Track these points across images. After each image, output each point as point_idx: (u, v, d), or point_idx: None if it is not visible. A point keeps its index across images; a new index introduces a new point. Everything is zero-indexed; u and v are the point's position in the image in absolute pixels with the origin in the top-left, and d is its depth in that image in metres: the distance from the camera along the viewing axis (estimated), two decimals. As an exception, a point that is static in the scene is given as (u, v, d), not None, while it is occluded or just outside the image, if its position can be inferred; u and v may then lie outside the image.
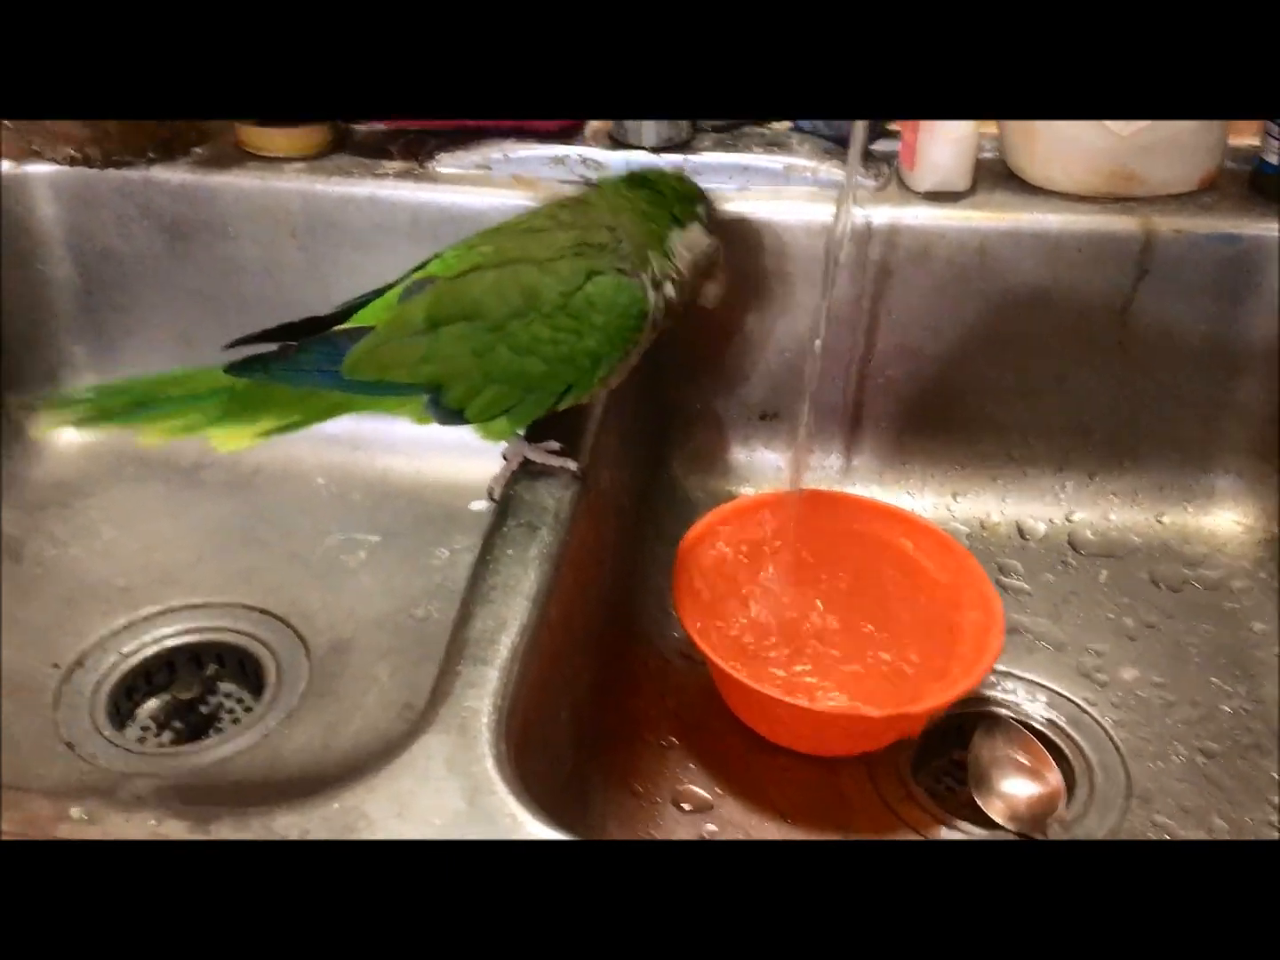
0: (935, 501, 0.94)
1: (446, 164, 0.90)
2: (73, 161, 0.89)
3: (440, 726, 0.47)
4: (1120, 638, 0.84)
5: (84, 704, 0.78)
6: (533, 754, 0.52)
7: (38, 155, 0.89)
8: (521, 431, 0.67)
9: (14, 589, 0.85)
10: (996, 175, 0.90)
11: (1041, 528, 0.92)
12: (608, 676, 0.73)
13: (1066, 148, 0.85)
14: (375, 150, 0.92)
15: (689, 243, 0.69)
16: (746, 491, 0.94)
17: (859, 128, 0.67)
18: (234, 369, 0.63)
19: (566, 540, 0.58)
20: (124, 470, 0.95)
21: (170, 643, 0.82)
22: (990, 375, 0.91)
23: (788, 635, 0.74)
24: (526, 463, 0.66)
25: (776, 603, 0.76)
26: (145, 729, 0.79)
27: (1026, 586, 0.88)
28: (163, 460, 0.96)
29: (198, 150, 0.92)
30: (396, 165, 0.91)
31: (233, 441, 0.65)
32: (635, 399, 0.86)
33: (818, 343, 0.75)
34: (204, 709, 0.80)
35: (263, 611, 0.85)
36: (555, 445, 0.68)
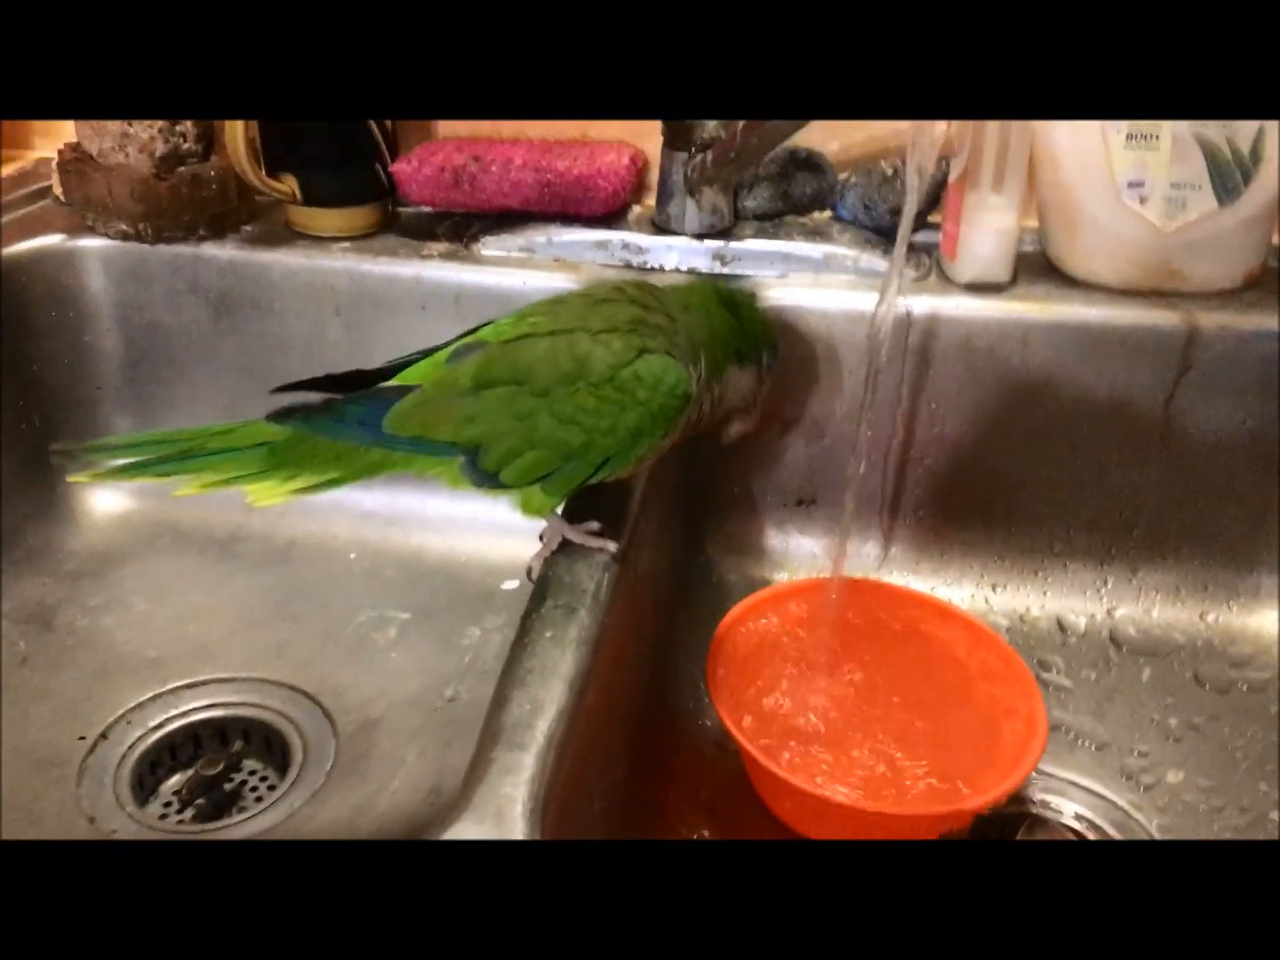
0: (974, 593, 0.93)
1: (491, 246, 0.91)
2: (125, 237, 0.90)
3: (474, 815, 0.46)
4: (1164, 739, 0.81)
5: (108, 778, 0.77)
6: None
7: (90, 230, 0.91)
8: (560, 510, 0.67)
9: (45, 659, 0.85)
10: (1037, 267, 0.90)
11: (1082, 623, 0.91)
12: (640, 765, 0.72)
13: (1109, 242, 0.85)
14: (421, 232, 0.94)
15: (738, 381, 0.71)
16: (781, 578, 0.93)
17: (908, 215, 0.67)
18: (275, 416, 0.64)
19: (605, 623, 0.57)
20: (159, 541, 0.96)
21: (197, 717, 0.82)
22: (1031, 467, 0.90)
23: (824, 728, 0.73)
24: (565, 543, 0.65)
25: (813, 693, 0.74)
26: (168, 804, 0.78)
27: (1067, 683, 0.86)
28: (199, 532, 0.96)
29: (247, 228, 0.94)
30: (442, 246, 0.92)
31: (267, 496, 0.65)
32: (673, 482, 0.86)
33: (864, 430, 0.75)
34: (227, 786, 0.79)
35: (291, 688, 0.84)
36: (595, 526, 0.67)
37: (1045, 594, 0.92)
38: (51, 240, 0.90)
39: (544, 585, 0.59)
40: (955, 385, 0.88)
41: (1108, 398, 0.87)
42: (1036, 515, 0.92)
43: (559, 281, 0.88)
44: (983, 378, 0.88)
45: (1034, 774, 0.77)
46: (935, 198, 0.91)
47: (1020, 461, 0.90)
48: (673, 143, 0.88)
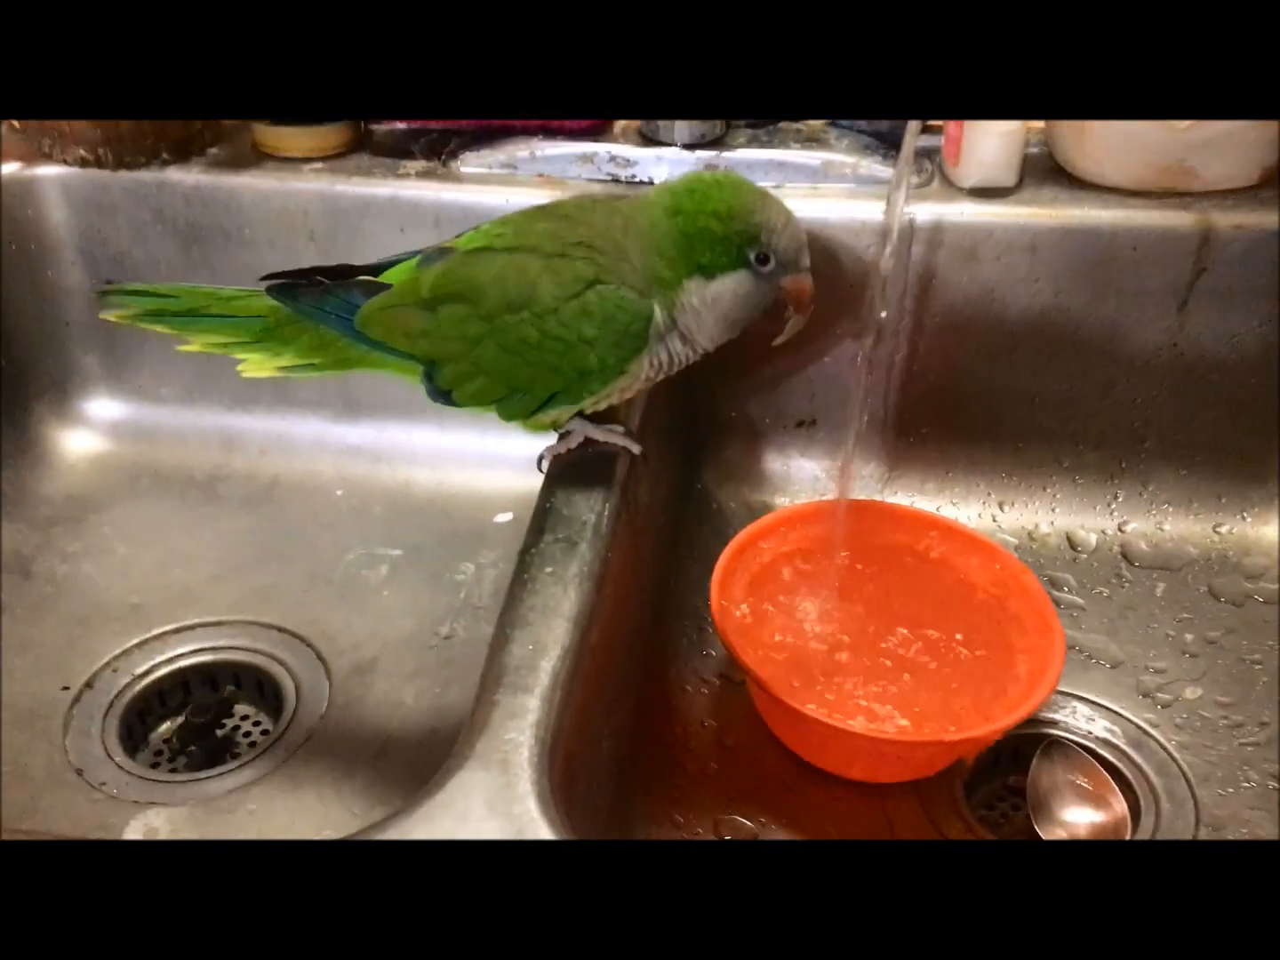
0: (980, 511, 0.90)
1: (470, 163, 0.87)
2: (84, 163, 0.86)
3: (479, 762, 0.43)
4: (1180, 655, 0.79)
5: (95, 728, 0.74)
6: (575, 789, 0.48)
7: (47, 157, 0.86)
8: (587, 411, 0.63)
9: (24, 608, 0.82)
10: (1044, 170, 0.86)
11: (1093, 539, 0.88)
12: (646, 701, 0.69)
13: (1119, 142, 0.81)
14: (396, 150, 0.89)
15: (717, 294, 0.59)
16: (782, 503, 0.90)
17: (913, 122, 0.63)
18: (272, 290, 0.64)
19: (607, 558, 0.54)
20: (138, 484, 0.92)
21: (185, 663, 0.79)
22: (1039, 381, 0.87)
23: (832, 654, 0.70)
24: (562, 470, 0.62)
25: (821, 620, 0.72)
26: (159, 753, 0.75)
27: (1079, 601, 0.84)
28: (178, 474, 0.93)
29: (213, 151, 0.89)
30: (419, 165, 0.87)
31: (257, 368, 0.66)
32: (667, 407, 0.82)
33: (867, 345, 0.71)
34: (220, 732, 0.77)
35: (281, 630, 0.81)
36: (619, 428, 0.64)
37: (1054, 510, 0.90)
38: (7, 169, 0.85)
39: (541, 518, 0.56)
40: (960, 297, 0.85)
41: (1118, 307, 0.84)
42: (1044, 431, 0.89)
43: (543, 199, 0.83)
44: (989, 288, 0.84)
45: (1056, 694, 0.75)
46: (936, 99, 0.86)
47: (1027, 376, 0.87)
48: (659, 48, 0.83)
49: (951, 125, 0.83)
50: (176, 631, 0.81)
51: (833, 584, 0.73)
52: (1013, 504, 0.90)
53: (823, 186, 0.85)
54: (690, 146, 0.85)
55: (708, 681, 0.76)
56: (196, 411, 0.94)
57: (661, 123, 0.85)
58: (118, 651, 0.79)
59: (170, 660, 0.79)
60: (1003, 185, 0.83)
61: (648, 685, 0.70)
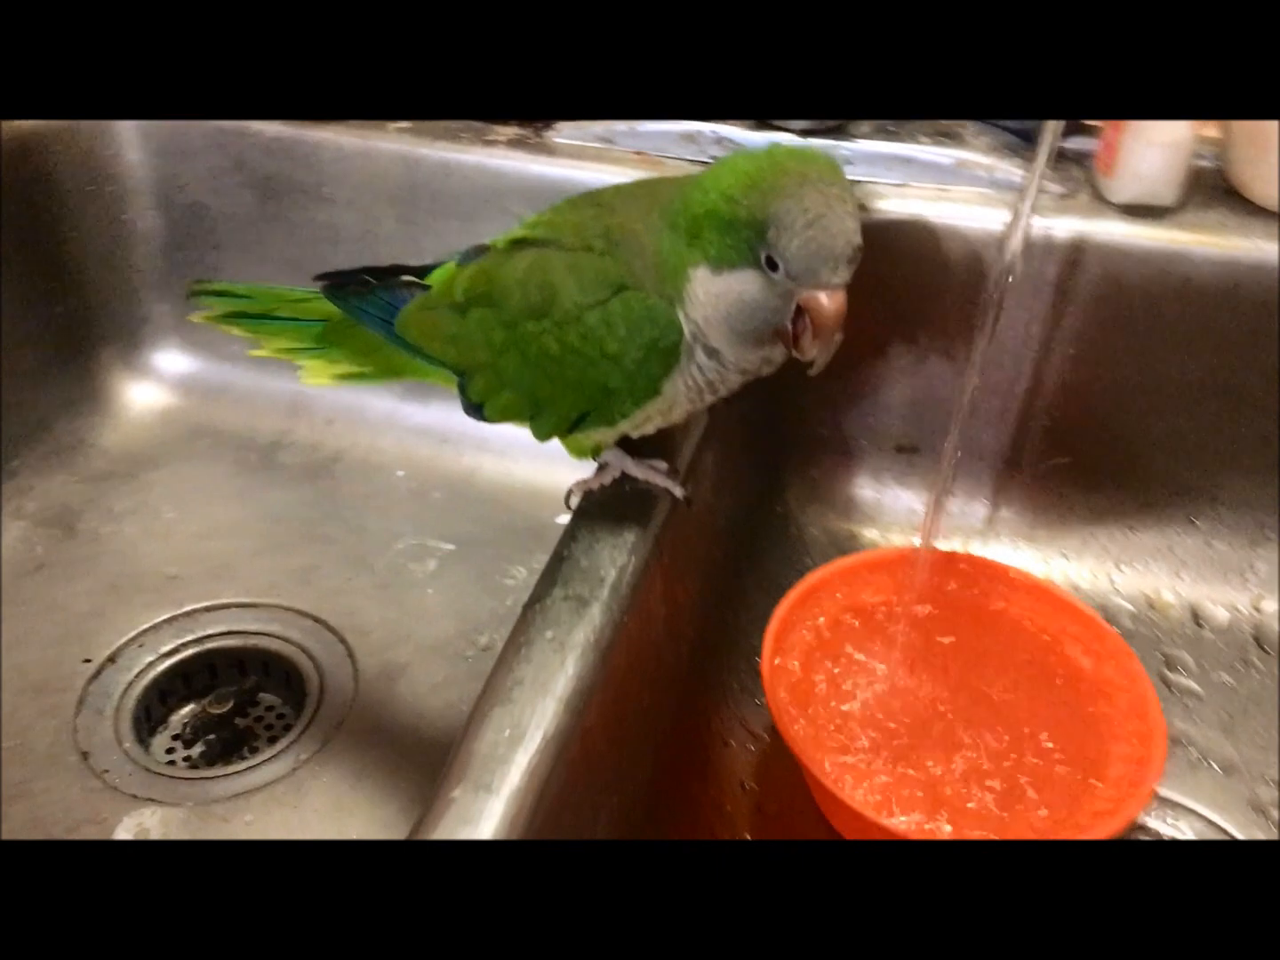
0: (1095, 569, 0.80)
1: (566, 134, 0.80)
2: (161, 106, 0.81)
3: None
4: (1308, 767, 0.69)
5: (109, 707, 0.71)
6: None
7: (127, 96, 0.82)
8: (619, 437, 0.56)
9: (61, 567, 0.79)
10: (1212, 190, 0.74)
11: (1223, 615, 0.77)
12: (674, 754, 0.62)
13: (1307, 164, 0.69)
14: (490, 112, 0.82)
15: (721, 292, 0.48)
16: (871, 535, 0.81)
17: (1053, 121, 0.53)
18: (327, 291, 0.60)
19: (622, 622, 0.47)
20: (198, 443, 0.89)
21: (213, 645, 0.75)
22: (1180, 427, 0.76)
23: (897, 733, 0.62)
24: (614, 488, 0.55)
25: (885, 689, 0.64)
26: (176, 737, 0.72)
27: (1196, 687, 0.73)
28: (240, 436, 0.89)
29: (299, 101, 0.83)
30: (510, 132, 0.80)
31: (315, 375, 0.62)
32: (744, 415, 0.75)
33: (974, 372, 0.62)
34: (241, 721, 0.73)
35: (315, 619, 0.77)
36: (663, 465, 0.57)
37: (1181, 576, 0.79)
38: (82, 106, 0.81)
39: (556, 567, 0.50)
40: (1099, 327, 0.74)
41: (1284, 353, 0.72)
42: (1180, 483, 0.78)
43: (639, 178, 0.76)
44: (1134, 319, 0.74)
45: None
46: (1094, 98, 0.75)
47: (1167, 420, 0.76)
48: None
49: (1109, 129, 0.72)
50: (209, 610, 0.77)
51: (904, 648, 0.65)
52: (1133, 564, 0.80)
53: (952, 188, 0.75)
54: (807, 133, 0.76)
55: (755, 736, 0.68)
56: (267, 373, 0.89)
57: (776, 103, 0.76)
58: (146, 626, 0.75)
59: (199, 640, 0.75)
60: (1161, 203, 0.72)
61: (678, 736, 0.63)
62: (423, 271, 0.59)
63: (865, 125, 0.77)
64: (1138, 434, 0.77)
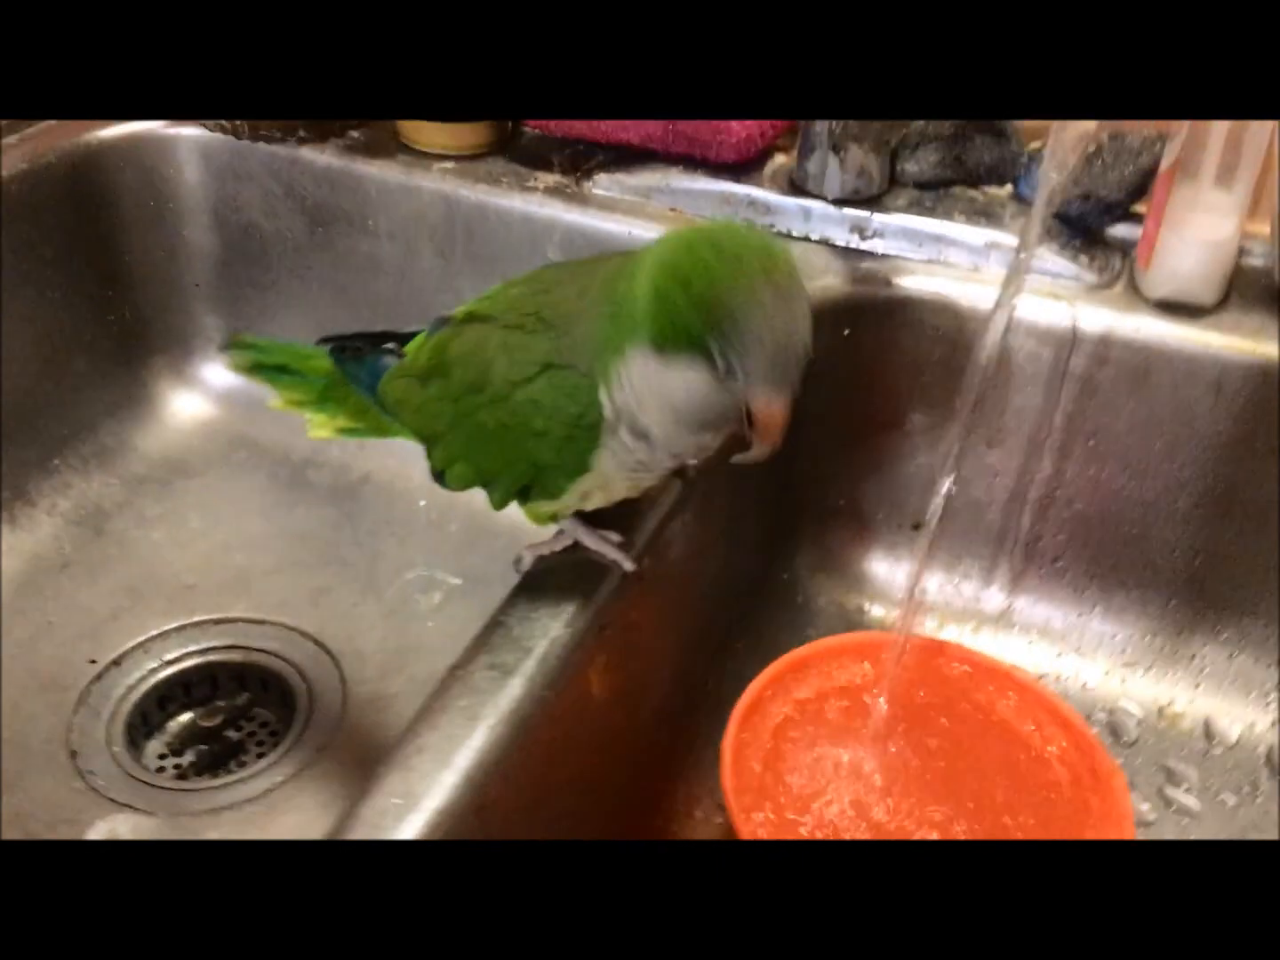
0: (1108, 668, 0.77)
1: (604, 185, 0.80)
2: (221, 129, 0.84)
3: None
4: (1303, 906, 0.65)
5: (107, 710, 0.73)
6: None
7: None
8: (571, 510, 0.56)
9: (85, 566, 0.82)
10: (1260, 291, 0.72)
11: (1236, 732, 0.74)
12: (631, 823, 0.62)
13: (1354, 275, 0.66)
14: (536, 160, 0.83)
15: (664, 378, 0.45)
16: (878, 613, 0.80)
17: (1044, 187, 0.52)
18: (331, 353, 0.61)
19: (543, 697, 0.47)
20: (235, 455, 0.91)
21: (215, 658, 0.77)
22: (1206, 534, 0.74)
23: (863, 831, 0.60)
24: (565, 555, 0.56)
25: (854, 785, 0.62)
26: (169, 744, 0.74)
27: (1194, 805, 0.70)
28: (276, 451, 0.92)
29: (353, 134, 0.85)
30: (550, 179, 0.81)
31: (319, 429, 0.64)
32: (751, 477, 0.74)
33: (954, 451, 0.61)
34: (235, 734, 0.75)
35: (317, 642, 0.78)
36: (615, 537, 0.57)
37: (1198, 687, 0.76)
38: (148, 125, 0.85)
39: (488, 632, 0.50)
40: (1123, 423, 0.72)
41: (1318, 469, 0.69)
42: (1206, 591, 0.75)
43: (670, 235, 0.76)
44: (1159, 419, 0.71)
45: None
46: (1142, 186, 0.73)
47: (1193, 525, 0.74)
48: (824, 86, 0.74)
49: (1150, 221, 0.70)
50: (217, 622, 0.79)
51: (873, 743, 0.64)
52: (1149, 669, 0.77)
53: (984, 270, 0.73)
54: (841, 202, 0.75)
55: (724, 809, 0.67)
56: (308, 391, 0.92)
57: (813, 172, 0.75)
58: (155, 632, 0.78)
59: (203, 651, 0.77)
60: (1198, 302, 0.70)
61: (634, 807, 0.62)
62: (406, 338, 0.60)
63: (902, 197, 0.76)
64: (1161, 535, 0.75)
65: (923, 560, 0.64)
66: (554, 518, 0.56)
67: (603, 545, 0.55)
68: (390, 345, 0.59)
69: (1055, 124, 0.49)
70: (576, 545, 0.54)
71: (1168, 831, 0.69)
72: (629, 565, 0.54)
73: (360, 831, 0.40)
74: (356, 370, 0.60)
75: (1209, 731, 0.74)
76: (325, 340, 0.62)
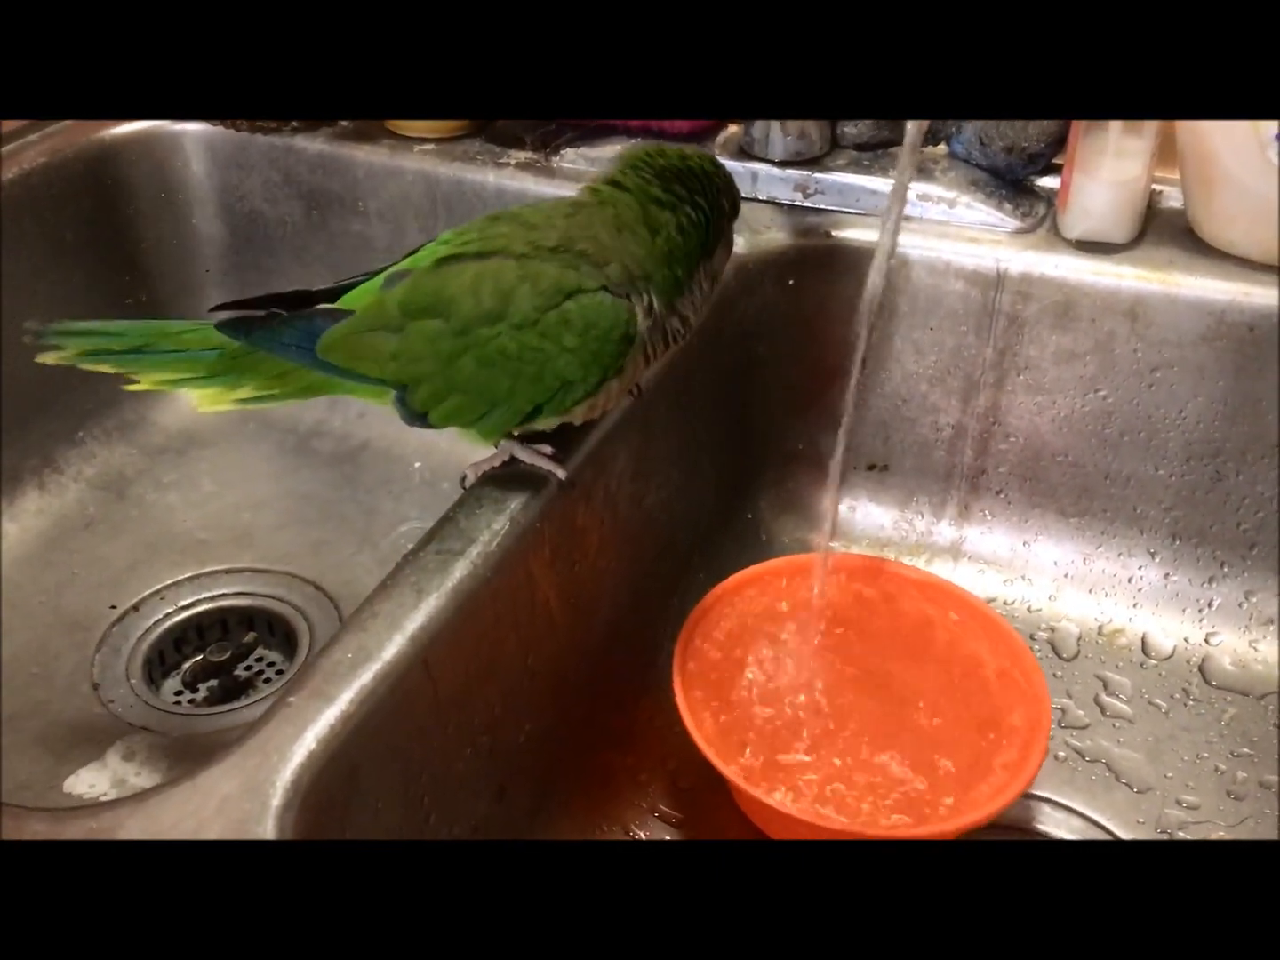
0: (1053, 592, 0.82)
1: (570, 159, 0.87)
2: (222, 124, 0.92)
3: (232, 764, 0.44)
4: (1224, 794, 0.70)
5: (126, 648, 0.80)
6: (371, 807, 0.48)
7: (196, 116, 0.93)
8: (516, 432, 0.62)
9: (109, 525, 0.89)
10: (1173, 230, 0.77)
11: (1170, 645, 0.79)
12: (596, 726, 0.68)
13: (1249, 205, 0.71)
14: (510, 139, 0.90)
15: (715, 268, 0.61)
16: (838, 548, 0.85)
17: (911, 124, 0.58)
18: (222, 326, 0.62)
19: (486, 577, 0.53)
20: (246, 427, 0.99)
21: (226, 603, 0.84)
22: (1135, 461, 0.78)
23: (801, 726, 0.66)
24: (502, 470, 0.61)
25: (793, 686, 0.68)
26: (185, 680, 0.81)
27: (1129, 711, 0.75)
28: (284, 423, 0.99)
29: (342, 122, 0.93)
30: (521, 156, 0.88)
31: (212, 402, 0.63)
32: (710, 424, 0.80)
33: (854, 378, 0.66)
34: (245, 672, 0.82)
35: (317, 587, 0.85)
36: (548, 449, 0.63)
37: (1136, 606, 0.81)
38: (157, 123, 0.93)
39: (438, 528, 0.56)
40: (1050, 357, 0.78)
41: (1231, 390, 0.74)
42: (1139, 516, 0.80)
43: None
44: (1081, 352, 0.77)
45: (1056, 808, 0.68)
46: (1063, 137, 0.78)
47: (1122, 453, 0.79)
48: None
49: (1066, 168, 0.75)
50: (227, 572, 0.86)
51: (811, 647, 0.69)
52: (1090, 590, 0.82)
53: (915, 220, 0.79)
54: (785, 164, 0.82)
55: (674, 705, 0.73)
56: (314, 367, 0.99)
57: (758, 137, 0.82)
58: (170, 581, 0.85)
59: (214, 598, 0.84)
60: (1111, 240, 0.75)
61: (592, 703, 0.68)
62: (332, 295, 0.62)
63: (842, 157, 0.82)
64: (1095, 463, 0.80)
65: (836, 475, 0.69)
66: (496, 440, 0.61)
67: (536, 458, 0.61)
68: (322, 306, 0.61)
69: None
70: (514, 460, 0.60)
71: (1100, 734, 0.73)
72: (561, 474, 0.60)
73: (316, 678, 0.47)
74: (277, 338, 0.60)
75: (1145, 647, 0.79)
76: (219, 308, 0.63)
